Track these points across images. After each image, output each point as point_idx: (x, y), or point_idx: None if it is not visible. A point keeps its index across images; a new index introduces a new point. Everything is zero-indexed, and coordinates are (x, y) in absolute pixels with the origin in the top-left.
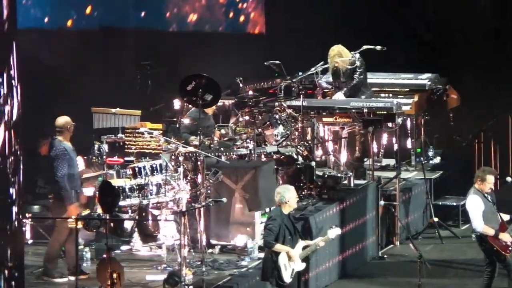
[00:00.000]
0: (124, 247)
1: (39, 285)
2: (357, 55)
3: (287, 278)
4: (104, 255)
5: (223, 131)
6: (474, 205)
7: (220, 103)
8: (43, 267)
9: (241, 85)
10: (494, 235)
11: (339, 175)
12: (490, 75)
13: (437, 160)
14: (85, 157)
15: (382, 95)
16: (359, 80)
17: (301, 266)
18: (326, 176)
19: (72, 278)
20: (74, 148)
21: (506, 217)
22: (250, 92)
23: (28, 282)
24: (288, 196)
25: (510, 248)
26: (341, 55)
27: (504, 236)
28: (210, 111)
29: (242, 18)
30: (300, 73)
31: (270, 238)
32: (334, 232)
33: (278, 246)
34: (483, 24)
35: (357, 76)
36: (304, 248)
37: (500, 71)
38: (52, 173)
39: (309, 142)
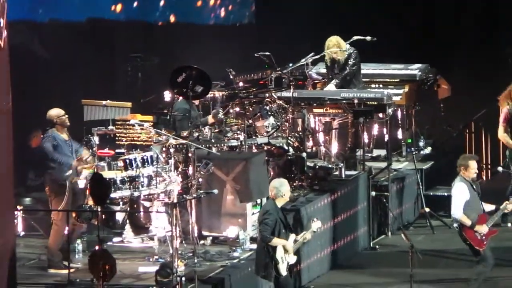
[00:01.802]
0: (116, 239)
1: (32, 277)
2: (349, 46)
3: (283, 271)
4: (96, 247)
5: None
6: (459, 193)
7: (210, 94)
8: (47, 260)
9: (231, 76)
10: (470, 226)
11: (330, 166)
12: (480, 65)
13: (428, 150)
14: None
15: (373, 85)
16: (350, 71)
17: (294, 259)
18: (317, 167)
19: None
20: (68, 140)
21: (491, 207)
22: (241, 84)
23: (20, 274)
24: (284, 190)
25: (485, 243)
26: (339, 46)
27: (481, 228)
28: (196, 101)
29: (232, 10)
30: (291, 64)
31: (268, 233)
32: (316, 225)
33: (276, 240)
34: (474, 14)
35: (349, 67)
36: (295, 241)
37: (490, 61)
38: (46, 162)
39: (300, 133)
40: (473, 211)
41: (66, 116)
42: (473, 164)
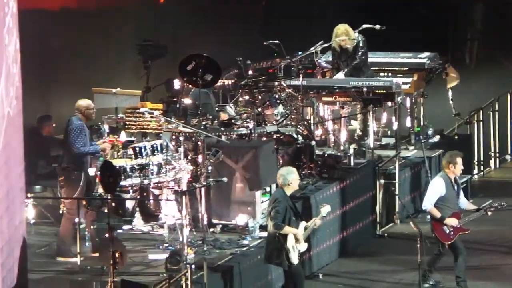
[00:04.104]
0: (126, 227)
1: (42, 264)
2: (357, 34)
3: (295, 259)
4: (106, 235)
5: (222, 113)
6: (436, 187)
7: (219, 82)
8: (57, 248)
9: (242, 64)
10: (439, 218)
11: (339, 154)
12: (490, 53)
13: (437, 138)
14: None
15: (381, 74)
16: (360, 60)
17: (305, 246)
18: (326, 155)
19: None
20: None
21: (472, 206)
22: (250, 72)
23: (30, 261)
24: (291, 178)
25: (451, 237)
26: (348, 34)
27: (450, 221)
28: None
29: None
30: (300, 53)
31: (279, 221)
32: (325, 209)
33: (287, 229)
34: (483, 3)
35: (358, 56)
36: (305, 229)
37: (499, 49)
38: (66, 150)
39: (309, 121)
40: (447, 208)
41: (95, 110)
42: (460, 161)
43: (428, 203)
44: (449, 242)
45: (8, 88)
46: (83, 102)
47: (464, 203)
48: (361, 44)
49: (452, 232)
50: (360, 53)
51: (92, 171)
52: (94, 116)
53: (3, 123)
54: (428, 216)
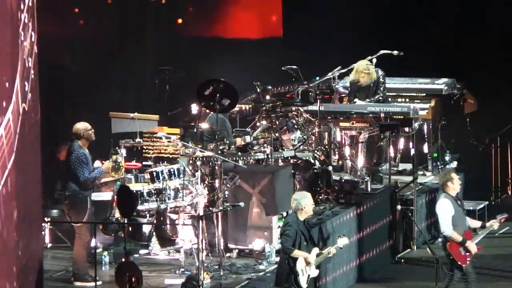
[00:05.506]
0: (142, 251)
1: None
2: (376, 69)
3: (303, 283)
4: (123, 259)
5: (239, 139)
6: (444, 209)
7: (237, 107)
8: (73, 273)
9: (259, 89)
10: (461, 242)
11: (356, 179)
12: (507, 79)
13: (454, 164)
14: (103, 162)
15: (399, 99)
16: (382, 94)
17: (316, 272)
18: (343, 180)
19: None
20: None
21: (477, 223)
22: (268, 97)
23: (46, 286)
24: (304, 203)
25: (468, 259)
26: (368, 71)
27: (470, 245)
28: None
29: (260, 23)
30: (317, 78)
31: (288, 244)
32: (342, 241)
33: (297, 252)
34: (500, 28)
35: (381, 91)
36: (318, 255)
37: None
38: (70, 177)
39: (326, 146)
40: (458, 227)
41: (93, 130)
42: (456, 176)
43: (447, 228)
44: (465, 265)
45: (23, 83)
46: (81, 125)
47: (468, 220)
48: (381, 79)
49: (467, 253)
50: (381, 89)
51: (109, 195)
52: (94, 136)
53: (19, 120)
54: (440, 240)
